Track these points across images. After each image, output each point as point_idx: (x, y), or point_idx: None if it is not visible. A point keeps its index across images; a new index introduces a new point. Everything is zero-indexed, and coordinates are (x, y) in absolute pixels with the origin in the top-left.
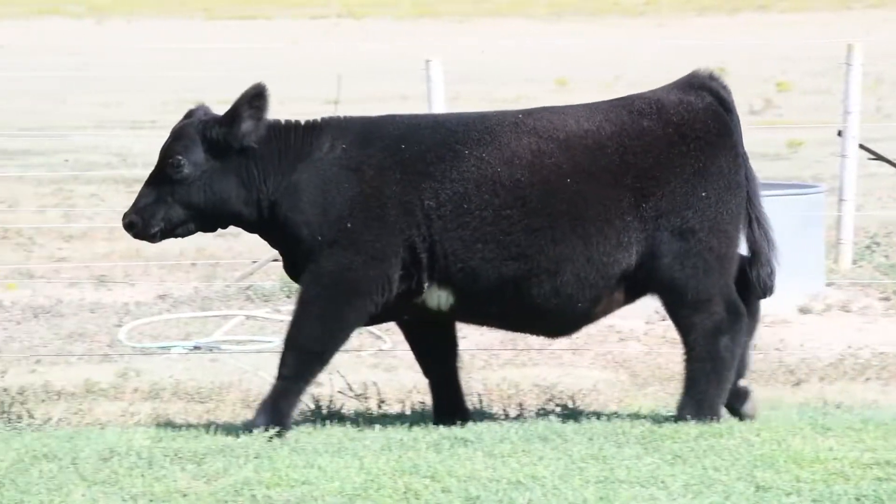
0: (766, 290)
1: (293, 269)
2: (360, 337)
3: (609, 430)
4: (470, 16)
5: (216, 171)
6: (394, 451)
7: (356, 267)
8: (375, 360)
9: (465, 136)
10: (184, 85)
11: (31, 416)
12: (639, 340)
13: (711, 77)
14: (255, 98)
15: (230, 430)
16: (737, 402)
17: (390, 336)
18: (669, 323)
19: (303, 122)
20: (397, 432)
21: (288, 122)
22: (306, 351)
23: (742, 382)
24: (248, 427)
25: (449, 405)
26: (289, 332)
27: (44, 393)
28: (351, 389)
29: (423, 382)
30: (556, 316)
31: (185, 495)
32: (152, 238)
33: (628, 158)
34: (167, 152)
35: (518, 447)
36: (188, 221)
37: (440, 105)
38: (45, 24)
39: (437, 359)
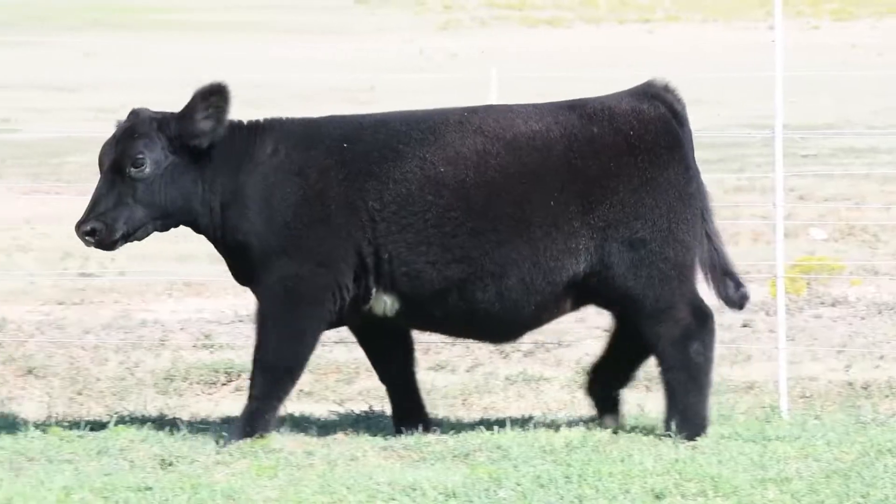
0: (734, 304)
1: (241, 276)
2: None
3: None
4: None
5: (175, 168)
6: None
7: (304, 275)
8: None
9: (408, 135)
10: None
11: (875, 411)
12: None
13: (666, 88)
14: (210, 95)
15: None
16: None
17: None
18: None
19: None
20: None
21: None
22: (272, 368)
23: None
24: (224, 444)
25: (408, 411)
26: (254, 351)
27: (888, 388)
28: None
29: None
30: (501, 321)
31: None
32: (113, 245)
33: (576, 164)
34: (127, 151)
35: None
36: (148, 223)
37: None
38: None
39: (393, 364)
